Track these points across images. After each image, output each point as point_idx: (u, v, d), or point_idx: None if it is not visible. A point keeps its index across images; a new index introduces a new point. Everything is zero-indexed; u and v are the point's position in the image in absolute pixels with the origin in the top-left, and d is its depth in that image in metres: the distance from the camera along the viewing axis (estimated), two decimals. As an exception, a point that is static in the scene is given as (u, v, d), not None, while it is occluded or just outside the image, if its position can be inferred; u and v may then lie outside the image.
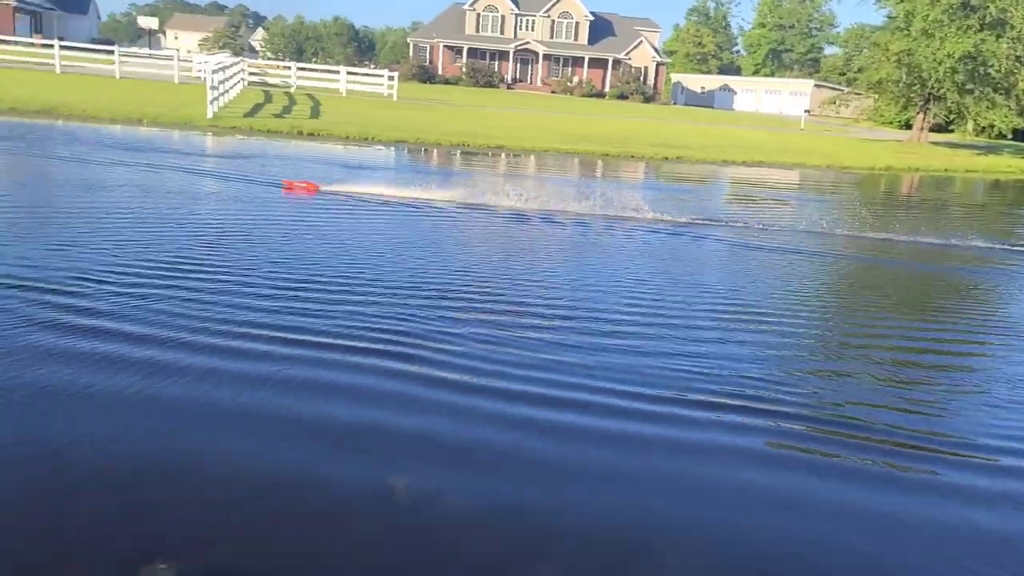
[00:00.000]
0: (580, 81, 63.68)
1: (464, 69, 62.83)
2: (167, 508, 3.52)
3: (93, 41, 65.41)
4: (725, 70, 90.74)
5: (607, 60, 64.54)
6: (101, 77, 33.94)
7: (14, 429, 4.04)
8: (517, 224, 11.70)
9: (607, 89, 64.07)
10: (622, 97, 62.59)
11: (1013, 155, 38.51)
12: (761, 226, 12.80)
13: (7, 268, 6.72)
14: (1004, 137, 43.75)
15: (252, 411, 4.47)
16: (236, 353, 5.26)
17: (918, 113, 39.35)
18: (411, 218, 11.38)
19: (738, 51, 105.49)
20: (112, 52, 37.40)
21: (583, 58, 64.52)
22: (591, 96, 61.60)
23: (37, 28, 63.72)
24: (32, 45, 41.56)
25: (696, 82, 77.81)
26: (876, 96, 40.61)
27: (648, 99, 63.35)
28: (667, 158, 24.63)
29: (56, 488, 3.60)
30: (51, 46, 36.59)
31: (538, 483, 4.01)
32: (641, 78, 64.94)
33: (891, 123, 49.96)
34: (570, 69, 64.91)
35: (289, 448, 4.12)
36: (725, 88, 75.56)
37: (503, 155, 22.57)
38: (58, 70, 34.42)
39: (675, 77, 78.24)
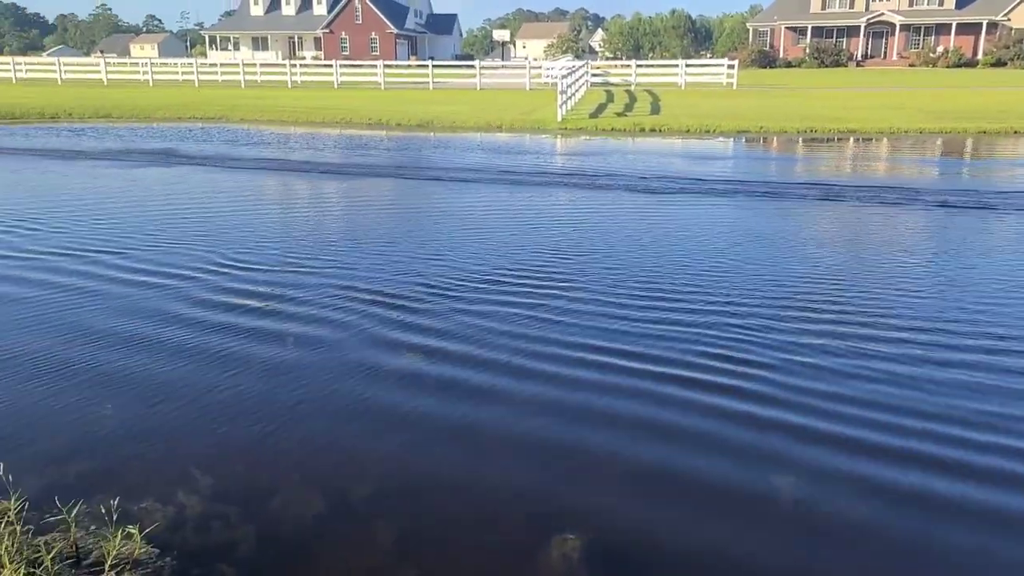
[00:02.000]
0: (945, 51, 56.79)
1: (808, 50, 59.42)
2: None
3: (456, 57, 73.27)
4: None
5: (980, 24, 56.75)
6: (464, 90, 37.95)
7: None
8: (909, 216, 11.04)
9: (979, 57, 56.35)
10: (999, 64, 54.62)
11: None
12: None
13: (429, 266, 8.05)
14: None
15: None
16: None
17: None
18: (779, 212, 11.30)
19: None
20: (473, 67, 41.64)
21: (949, 24, 57.44)
22: (959, 66, 54.65)
23: (413, 51, 72.86)
24: (410, 67, 47.68)
25: (1100, 38, 64.94)
26: None
27: (1034, 63, 54.43)
28: (1060, 131, 21.19)
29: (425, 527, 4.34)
30: (425, 66, 41.73)
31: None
32: (1024, 40, 55.99)
33: None
34: (933, 38, 58.18)
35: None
36: None
37: (861, 140, 21.14)
38: (431, 87, 39.18)
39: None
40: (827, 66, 57.07)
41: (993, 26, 56.63)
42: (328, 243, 9.08)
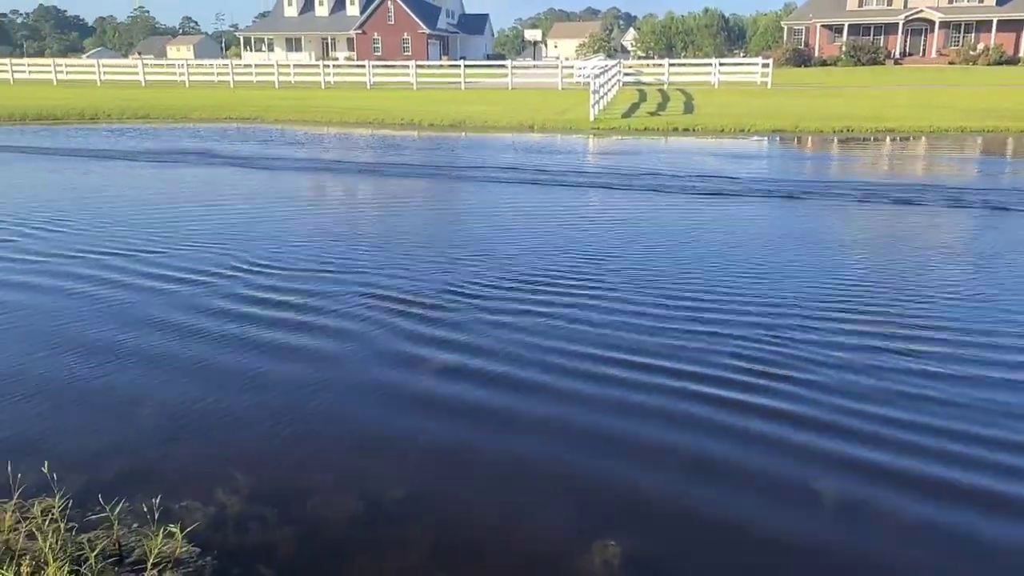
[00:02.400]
0: (986, 48, 55.64)
1: (844, 48, 58.54)
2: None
3: (487, 57, 73.37)
4: None
5: (1021, 21, 55.53)
6: (496, 90, 37.94)
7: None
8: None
9: (1021, 55, 55.14)
10: (1042, 61, 53.37)
11: None
12: None
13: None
14: None
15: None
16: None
17: None
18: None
19: None
20: (504, 66, 41.64)
21: (989, 21, 56.26)
22: (999, 64, 53.53)
23: (445, 51, 73.05)
24: (442, 67, 47.78)
25: None
26: None
27: (1078, 61, 53.17)
28: (1107, 131, 20.65)
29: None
30: (457, 66, 41.81)
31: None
32: (1069, 36, 54.71)
33: None
34: (973, 36, 57.03)
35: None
36: None
37: (898, 139, 20.77)
38: (463, 87, 39.25)
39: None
40: (864, 64, 56.19)
41: (1036, 22, 55.35)
42: (365, 245, 9.10)
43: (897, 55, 58.91)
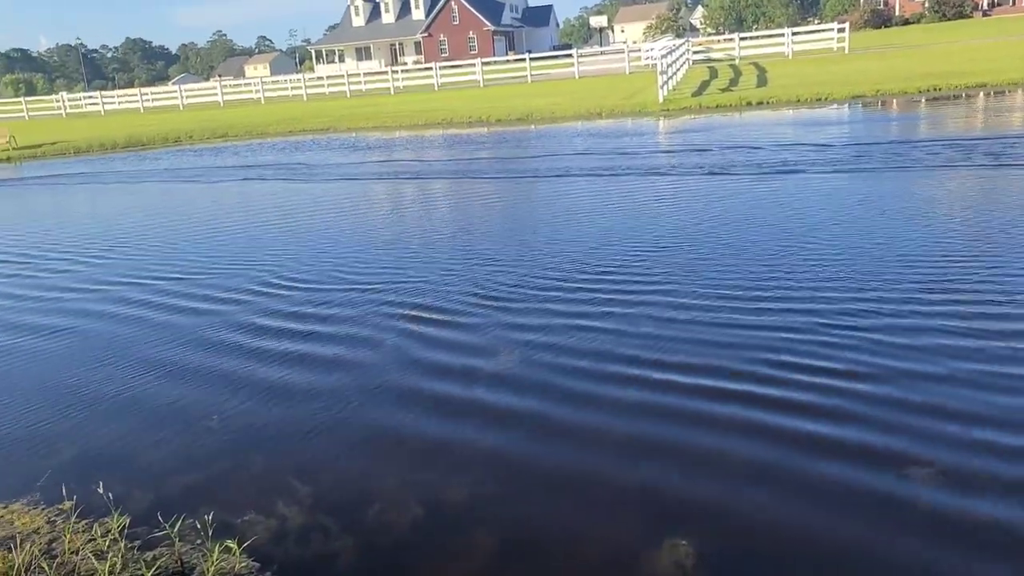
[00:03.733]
0: (1085, -11, 52.02)
1: (927, 3, 55.76)
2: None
3: (553, 48, 72.92)
4: None
5: (1125, -45, 51.63)
6: (563, 80, 37.65)
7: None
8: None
9: None
10: None
11: None
12: None
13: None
14: None
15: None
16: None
17: None
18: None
19: None
20: (570, 56, 41.27)
21: (1089, -40, 52.56)
22: (1103, 4, 49.94)
23: (510, 46, 73.01)
24: (508, 62, 47.72)
25: None
26: None
27: None
28: None
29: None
30: (522, 60, 41.68)
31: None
32: None
33: None
34: (1070, -23, 53.41)
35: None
36: None
37: (993, 94, 19.54)
38: (529, 80, 39.11)
39: None
40: (949, 19, 53.36)
41: None
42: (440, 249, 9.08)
43: (985, 6, 55.74)
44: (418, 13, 72.90)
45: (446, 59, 62.46)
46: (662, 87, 23.79)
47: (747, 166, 12.25)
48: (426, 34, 71.03)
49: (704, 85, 27.48)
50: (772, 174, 11.38)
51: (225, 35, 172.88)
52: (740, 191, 10.40)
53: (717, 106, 22.30)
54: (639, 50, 41.99)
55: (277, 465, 4.19)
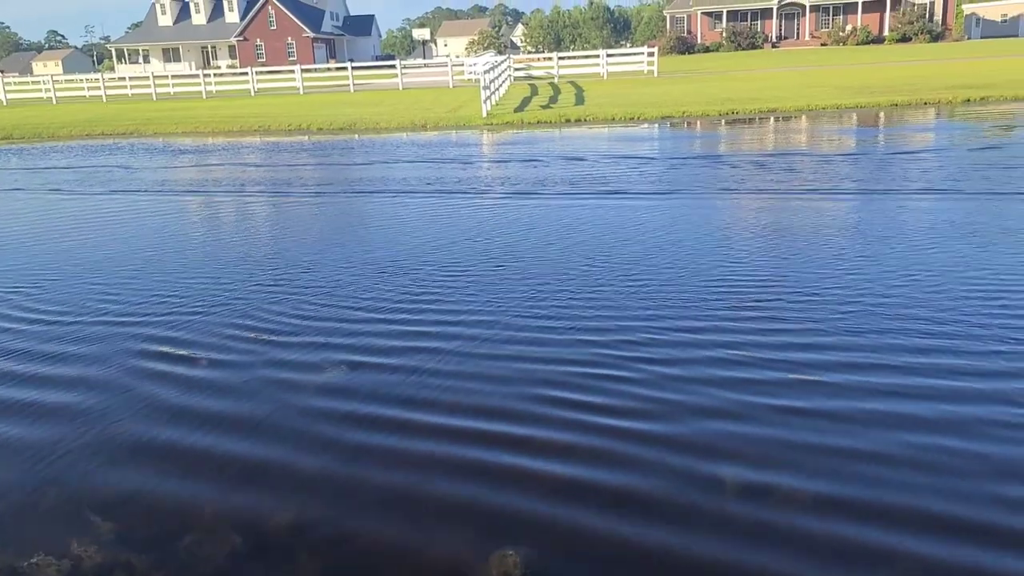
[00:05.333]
0: (854, 29, 58.52)
1: (724, 34, 60.53)
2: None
3: (375, 58, 72.36)
4: (1033, -10, 78.13)
5: (884, 1, 58.62)
6: (387, 91, 37.34)
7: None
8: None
9: (886, 33, 58.23)
10: (904, 40, 56.54)
11: None
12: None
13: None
14: None
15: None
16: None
17: None
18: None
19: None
20: (394, 67, 41.05)
21: (856, 3, 59.21)
22: (867, 43, 56.40)
23: (331, 54, 71.62)
24: (329, 70, 46.77)
25: (995, 11, 68.01)
26: None
27: (936, 38, 56.59)
28: (969, 100, 21.85)
29: None
30: (344, 68, 40.95)
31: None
32: (926, 15, 58.16)
33: None
34: (841, 17, 59.90)
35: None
36: (1034, 11, 65.23)
37: (781, 118, 21.40)
38: (351, 89, 38.46)
39: (968, 8, 69.00)
40: (744, 49, 58.22)
41: (897, 2, 58.55)
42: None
43: (774, 39, 61.26)
44: (232, 16, 69.82)
45: (263, 65, 60.19)
46: (485, 101, 24.14)
47: (566, 183, 12.62)
48: (241, 38, 68.13)
49: (526, 101, 28.20)
50: (590, 193, 11.79)
51: (8, 28, 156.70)
52: (559, 209, 10.67)
53: (538, 122, 22.92)
54: (462, 64, 42.49)
55: (77, 497, 3.73)
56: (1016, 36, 60.53)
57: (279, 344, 5.67)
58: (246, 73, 41.38)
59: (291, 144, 21.46)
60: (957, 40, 57.79)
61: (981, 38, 62.55)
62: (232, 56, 68.64)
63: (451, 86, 37.57)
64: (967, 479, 3.58)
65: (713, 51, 58.47)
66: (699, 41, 61.26)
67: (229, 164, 17.92)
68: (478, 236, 8.90)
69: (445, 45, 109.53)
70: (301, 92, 38.74)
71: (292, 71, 41.08)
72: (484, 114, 23.80)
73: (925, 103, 22.01)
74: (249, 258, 8.40)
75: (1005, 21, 65.84)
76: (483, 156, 17.43)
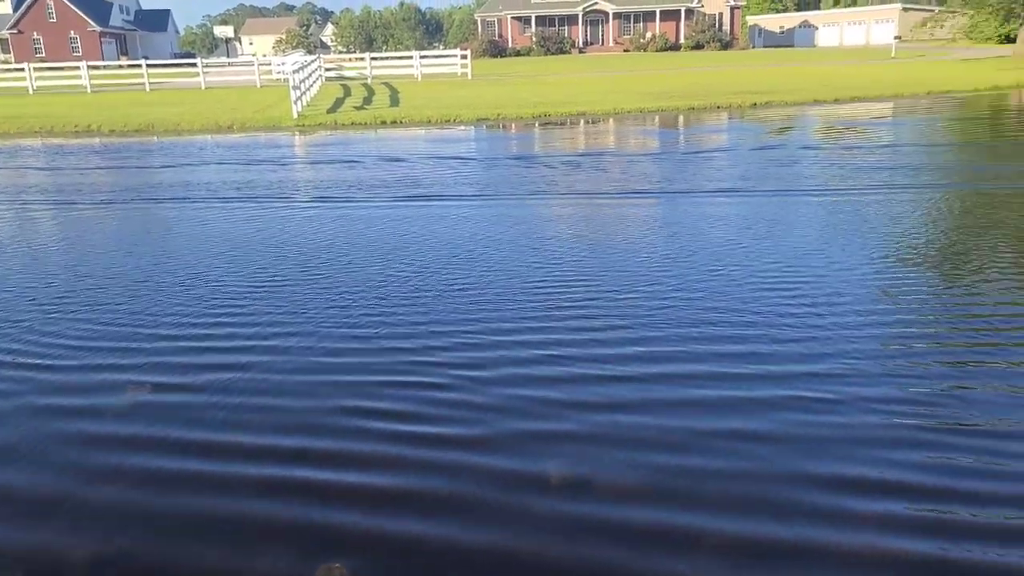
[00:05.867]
0: (653, 36, 62.13)
1: (534, 39, 62.22)
2: None
3: (174, 56, 68.05)
4: (803, 6, 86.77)
5: (679, 11, 62.70)
6: (188, 90, 35.14)
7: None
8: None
9: (682, 41, 62.34)
10: (698, 47, 60.79)
11: None
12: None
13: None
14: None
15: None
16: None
17: (1022, 24, 36.70)
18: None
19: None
20: (195, 65, 38.71)
21: (654, 12, 62.88)
22: (666, 50, 60.10)
23: (123, 50, 66.55)
24: (121, 67, 43.38)
25: (774, 22, 74.82)
26: (972, 12, 38.20)
27: (725, 46, 61.32)
28: (756, 104, 23.74)
29: None
30: (138, 65, 38.09)
31: None
32: (716, 25, 62.85)
33: (991, 39, 46.78)
34: (642, 25, 63.39)
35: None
36: (805, 25, 72.40)
37: (590, 121, 22.21)
38: (147, 88, 35.85)
39: (751, 20, 75.40)
40: (553, 53, 60.16)
41: (690, 12, 62.79)
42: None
43: (581, 44, 63.77)
44: (4, 6, 63.13)
45: (42, 60, 54.90)
46: (296, 102, 23.28)
47: (383, 185, 12.37)
48: (15, 31, 61.78)
49: (339, 102, 27.51)
50: (409, 197, 11.62)
51: None
52: (375, 213, 10.43)
53: (352, 123, 22.41)
54: (270, 63, 40.83)
55: None
56: (792, 46, 66.77)
57: (62, 368, 5.08)
58: (22, 69, 37.48)
59: (80, 147, 19.64)
60: (743, 49, 62.89)
61: (764, 47, 68.48)
62: (4, 51, 62.05)
63: (258, 86, 35.97)
64: (769, 462, 3.78)
65: (524, 55, 59.96)
66: (510, 45, 62.62)
67: (3, 169, 16.11)
68: (288, 243, 8.48)
69: (251, 44, 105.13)
70: (89, 91, 35.61)
71: (78, 67, 37.69)
72: (295, 115, 22.94)
73: (718, 107, 23.67)
74: (29, 274, 7.50)
75: (783, 32, 72.55)
76: (295, 158, 16.78)
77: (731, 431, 4.07)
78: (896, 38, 48.31)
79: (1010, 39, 41.39)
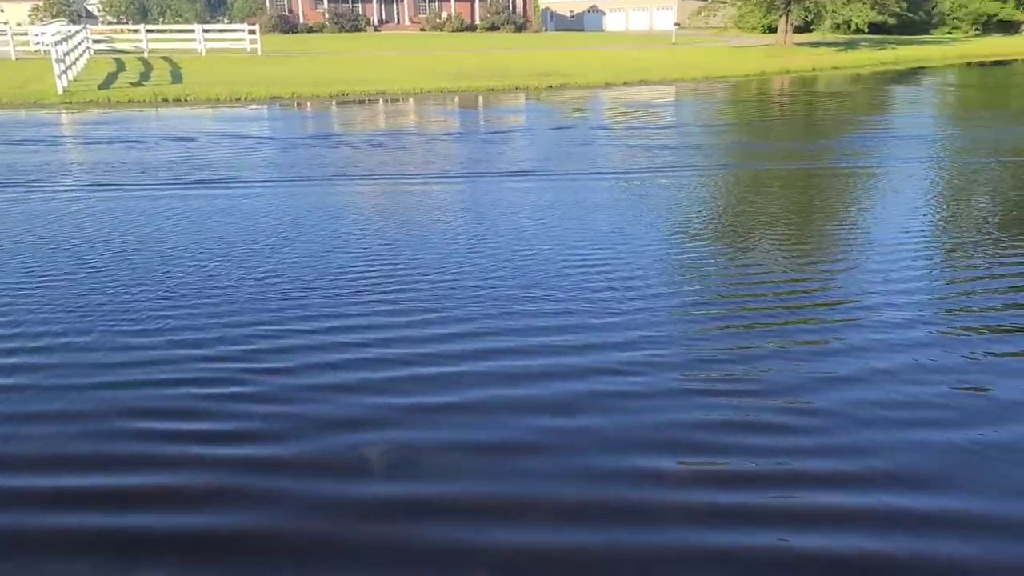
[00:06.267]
0: (449, 16, 62.22)
1: (327, 15, 60.25)
2: None
3: (-93, 22, 59.20)
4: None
5: (473, -8, 63.17)
6: (-75, 61, 30.71)
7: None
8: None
9: (477, 22, 62.92)
10: (493, 28, 61.61)
11: (871, 48, 40.23)
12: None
13: None
14: (860, 32, 45.10)
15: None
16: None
17: (781, 16, 40.45)
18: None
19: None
20: (-67, 33, 33.87)
21: (449, -8, 62.92)
22: (462, 30, 60.41)
23: None
24: None
25: (564, 6, 77.38)
26: (740, 3, 41.63)
27: (520, 28, 62.62)
28: (552, 87, 24.42)
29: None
30: None
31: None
32: (510, 7, 64.01)
33: (756, 28, 51.23)
34: (437, 5, 63.24)
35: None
36: (594, 10, 75.53)
37: (390, 100, 21.84)
38: None
39: (543, 3, 77.49)
40: (348, 31, 58.58)
41: (484, -6, 63.41)
42: None
43: (376, 22, 62.62)
44: None
45: None
46: (61, 76, 21.02)
47: (166, 170, 11.48)
48: None
49: (112, 77, 25.16)
50: (200, 182, 10.86)
51: None
52: (160, 199, 9.66)
53: (129, 101, 20.59)
54: (27, 34, 36.58)
55: None
56: (582, 30, 69.40)
57: None
58: None
59: None
60: (536, 31, 64.53)
61: (556, 30, 70.67)
62: None
63: (14, 58, 32.12)
64: (582, 456, 3.78)
65: (317, 32, 57.90)
66: (302, 21, 60.23)
67: None
68: (60, 233, 7.63)
69: (2, 11, 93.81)
70: None
71: None
72: (60, 90, 20.71)
73: (516, 88, 24.11)
74: None
75: (573, 16, 75.23)
76: (64, 137, 15.18)
77: (547, 399, 4.14)
78: (676, 25, 51.60)
79: (772, 29, 45.55)
